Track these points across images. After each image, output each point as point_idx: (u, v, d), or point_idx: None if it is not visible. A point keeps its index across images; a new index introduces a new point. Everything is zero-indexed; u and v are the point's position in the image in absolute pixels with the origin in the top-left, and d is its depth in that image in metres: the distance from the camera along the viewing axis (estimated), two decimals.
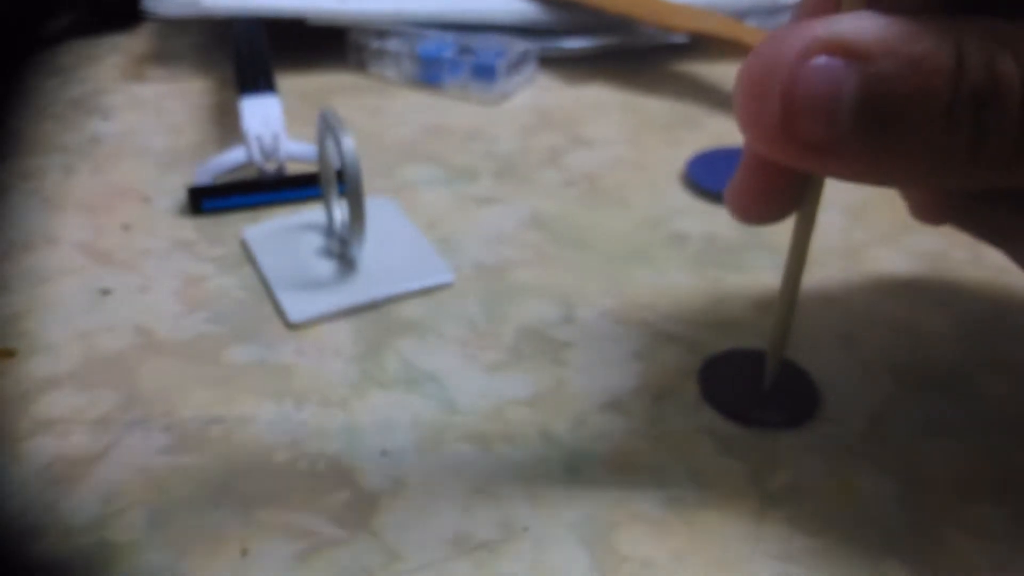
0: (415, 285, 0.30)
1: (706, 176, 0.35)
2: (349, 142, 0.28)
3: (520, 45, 0.43)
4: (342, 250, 0.31)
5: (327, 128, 0.29)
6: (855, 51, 0.17)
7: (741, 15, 0.45)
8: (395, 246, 0.31)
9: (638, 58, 0.46)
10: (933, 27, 0.17)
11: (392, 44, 0.44)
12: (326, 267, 0.30)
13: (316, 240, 0.32)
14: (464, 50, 0.43)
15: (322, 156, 0.31)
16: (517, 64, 0.42)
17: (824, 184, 0.21)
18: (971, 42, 0.17)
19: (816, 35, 0.17)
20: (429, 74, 0.43)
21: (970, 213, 0.23)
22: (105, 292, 0.30)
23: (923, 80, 0.17)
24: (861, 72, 0.17)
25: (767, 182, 0.22)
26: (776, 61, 0.18)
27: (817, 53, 0.17)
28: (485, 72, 0.41)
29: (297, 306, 0.29)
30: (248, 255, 0.31)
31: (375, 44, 0.44)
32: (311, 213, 0.33)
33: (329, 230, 0.32)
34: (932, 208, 0.24)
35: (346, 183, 0.28)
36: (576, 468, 0.24)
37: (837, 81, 0.17)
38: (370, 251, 0.30)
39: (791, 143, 0.18)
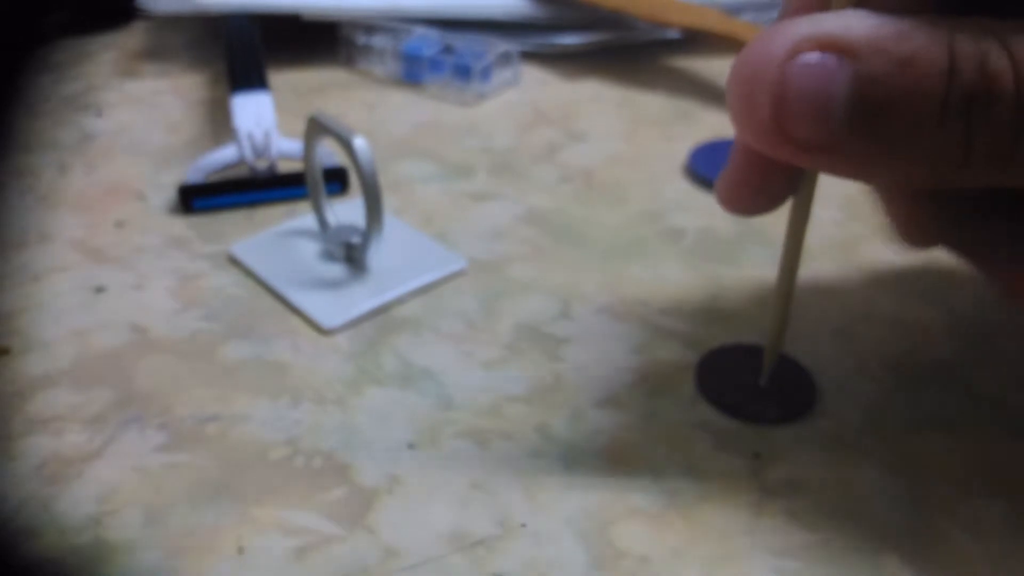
0: (434, 276, 0.30)
1: (709, 168, 0.36)
2: (362, 142, 0.28)
3: (501, 46, 0.42)
4: (349, 253, 0.30)
5: (319, 132, 0.29)
6: (843, 48, 0.17)
7: (735, 11, 0.45)
8: (395, 243, 0.31)
9: (633, 54, 0.46)
10: (925, 26, 0.17)
11: (378, 40, 0.43)
12: (335, 271, 0.30)
13: (310, 246, 0.31)
14: (447, 49, 0.43)
15: (309, 160, 0.30)
16: (497, 65, 0.42)
17: (818, 175, 0.21)
18: (963, 41, 0.17)
19: (803, 33, 0.17)
20: (411, 72, 0.43)
21: (954, 229, 0.23)
22: (99, 290, 0.30)
23: (915, 80, 0.17)
24: (852, 70, 0.17)
25: (759, 173, 0.22)
26: (764, 59, 0.18)
27: (806, 50, 0.17)
28: (464, 72, 0.41)
29: (326, 313, 0.28)
30: (242, 269, 0.31)
31: (362, 40, 0.44)
32: (294, 222, 0.33)
33: (322, 235, 0.31)
34: (916, 226, 0.24)
35: (363, 183, 0.28)
36: (573, 463, 0.23)
37: (828, 79, 0.17)
38: (372, 250, 0.30)
39: (783, 142, 0.18)
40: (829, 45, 0.17)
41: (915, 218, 0.23)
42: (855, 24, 0.17)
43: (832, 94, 0.17)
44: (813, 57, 0.17)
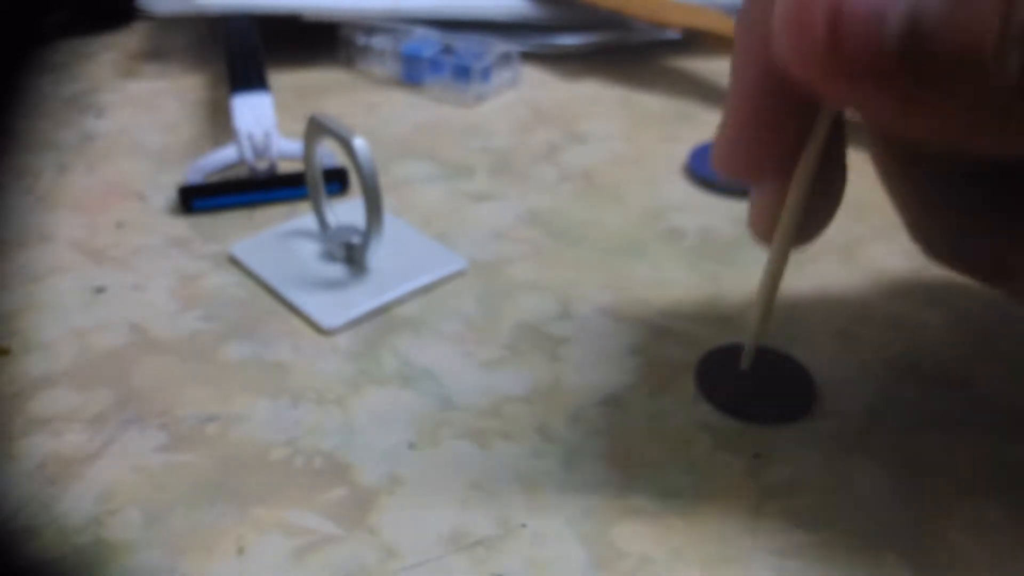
0: (435, 275, 0.30)
1: (709, 168, 0.35)
2: (361, 143, 0.28)
3: (501, 46, 0.42)
4: (349, 253, 0.30)
5: (319, 132, 0.29)
6: None
7: (735, 11, 0.45)
8: (395, 243, 0.31)
9: (632, 54, 0.46)
10: None
11: (378, 41, 0.43)
12: (335, 271, 0.30)
13: (310, 246, 0.31)
14: (447, 50, 0.43)
15: (309, 161, 0.30)
16: (497, 66, 0.42)
17: (824, 139, 0.20)
18: None
19: None
20: (411, 73, 0.43)
21: (971, 234, 0.22)
22: (99, 290, 0.30)
23: (969, 11, 0.15)
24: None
25: (767, 123, 0.21)
26: None
27: None
28: (464, 73, 0.41)
29: (326, 313, 0.28)
30: (242, 269, 0.31)
31: (362, 40, 0.44)
32: (294, 222, 0.33)
33: (322, 235, 0.31)
34: (931, 226, 0.22)
35: (363, 183, 0.28)
36: (573, 464, 0.23)
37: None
38: (372, 251, 0.30)
39: (835, 64, 0.16)
40: None
41: (930, 216, 0.22)
42: None
43: (887, 14, 0.16)
44: None
